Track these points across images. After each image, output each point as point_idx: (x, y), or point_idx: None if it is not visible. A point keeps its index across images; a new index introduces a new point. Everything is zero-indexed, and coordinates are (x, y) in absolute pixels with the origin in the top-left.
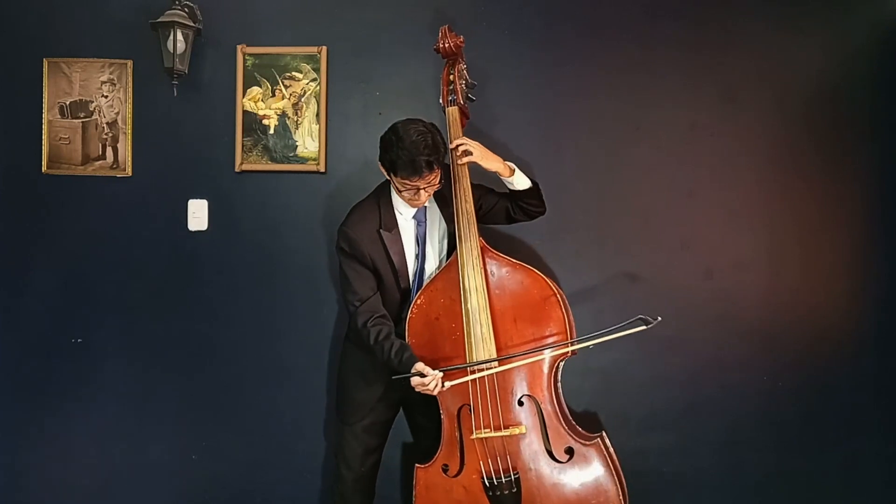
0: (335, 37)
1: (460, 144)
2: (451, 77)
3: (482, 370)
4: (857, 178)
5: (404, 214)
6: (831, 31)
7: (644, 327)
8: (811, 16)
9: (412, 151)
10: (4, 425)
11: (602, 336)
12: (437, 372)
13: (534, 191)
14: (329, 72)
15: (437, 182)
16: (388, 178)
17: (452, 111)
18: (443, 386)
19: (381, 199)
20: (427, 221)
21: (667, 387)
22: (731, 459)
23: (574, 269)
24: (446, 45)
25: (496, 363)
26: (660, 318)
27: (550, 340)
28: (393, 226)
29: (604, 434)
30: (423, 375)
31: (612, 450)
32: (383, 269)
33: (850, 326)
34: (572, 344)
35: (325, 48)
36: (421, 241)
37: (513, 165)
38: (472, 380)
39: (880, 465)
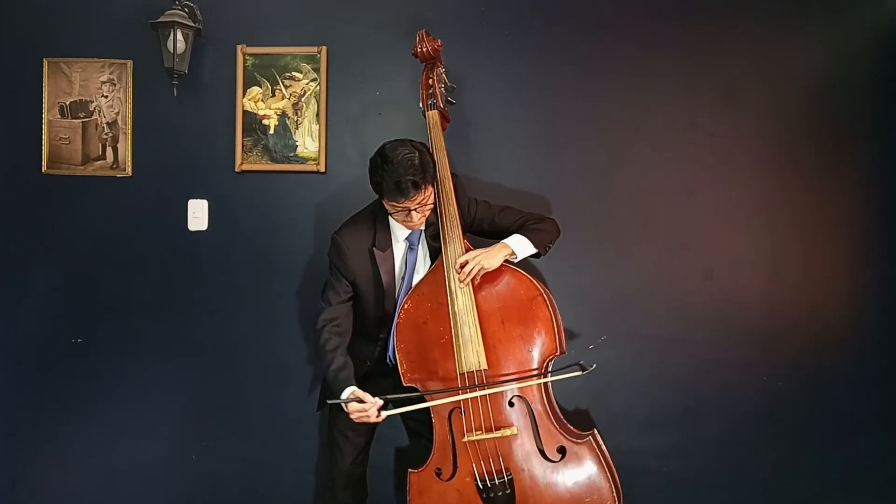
0: (335, 37)
1: (465, 265)
2: (430, 81)
3: (466, 392)
4: (857, 178)
5: (398, 236)
6: (831, 31)
7: (580, 373)
8: (811, 16)
9: (398, 172)
10: (4, 425)
11: (540, 378)
12: (376, 399)
13: (539, 252)
14: (329, 72)
15: (430, 202)
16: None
17: (433, 115)
18: (379, 414)
19: (378, 216)
20: (419, 247)
21: (667, 387)
22: (731, 459)
23: (574, 269)
24: (424, 50)
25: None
26: (595, 366)
27: (539, 340)
28: (387, 245)
29: (595, 432)
30: (360, 401)
31: (604, 447)
32: (365, 288)
33: (850, 326)
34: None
35: (325, 48)
36: (409, 266)
37: (512, 244)
38: (409, 411)
39: (880, 465)
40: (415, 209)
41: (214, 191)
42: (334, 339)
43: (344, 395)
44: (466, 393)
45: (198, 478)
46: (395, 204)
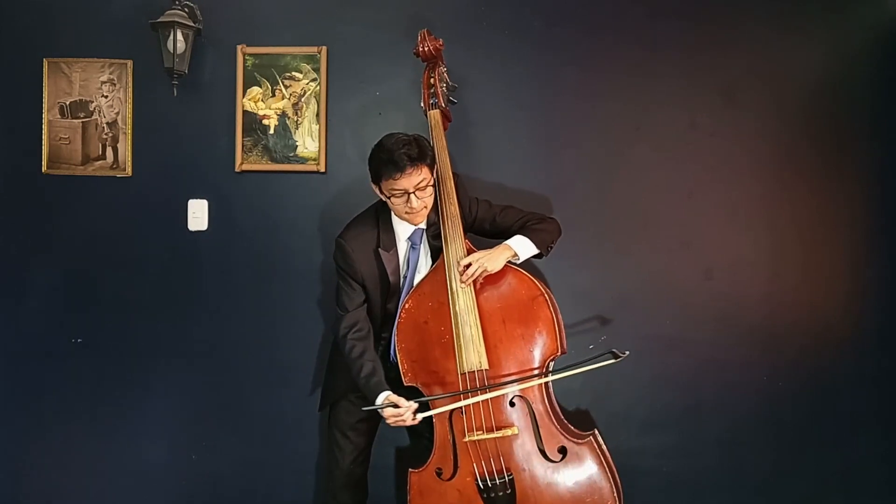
0: (335, 37)
1: (468, 267)
2: (432, 80)
3: (468, 397)
4: (856, 177)
5: (400, 235)
6: (831, 31)
7: (613, 361)
8: (811, 16)
9: (392, 149)
10: (4, 425)
11: (573, 369)
12: (411, 403)
13: (541, 253)
14: (329, 72)
15: (429, 187)
16: (382, 196)
17: (434, 114)
18: (414, 417)
19: (381, 217)
20: (421, 246)
21: (667, 387)
22: (731, 459)
23: (574, 269)
24: (426, 49)
25: (476, 393)
26: (628, 353)
27: (540, 340)
28: (391, 245)
29: (596, 432)
30: (396, 406)
31: (605, 447)
32: (372, 289)
33: (850, 326)
34: (544, 375)
35: (325, 48)
36: (411, 265)
37: (515, 245)
38: (445, 411)
39: (880, 465)
40: (413, 192)
41: (214, 191)
42: (359, 346)
43: (379, 401)
44: (477, 395)
45: (198, 478)
46: (393, 186)
